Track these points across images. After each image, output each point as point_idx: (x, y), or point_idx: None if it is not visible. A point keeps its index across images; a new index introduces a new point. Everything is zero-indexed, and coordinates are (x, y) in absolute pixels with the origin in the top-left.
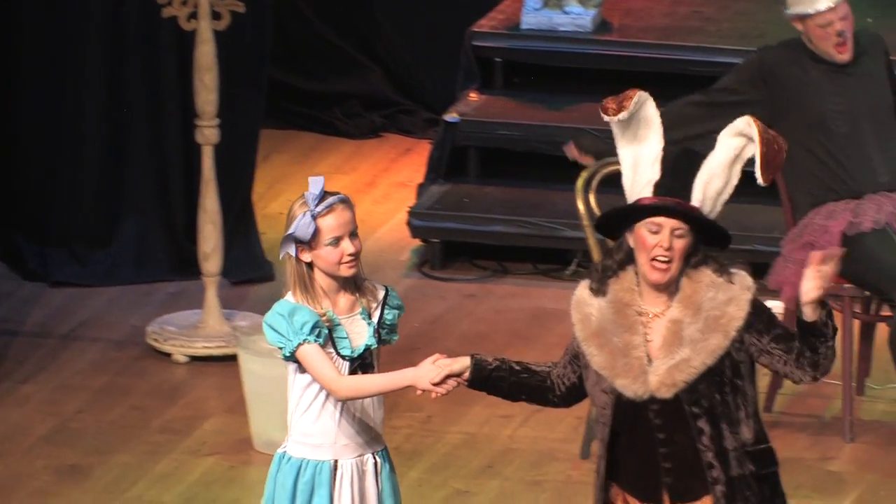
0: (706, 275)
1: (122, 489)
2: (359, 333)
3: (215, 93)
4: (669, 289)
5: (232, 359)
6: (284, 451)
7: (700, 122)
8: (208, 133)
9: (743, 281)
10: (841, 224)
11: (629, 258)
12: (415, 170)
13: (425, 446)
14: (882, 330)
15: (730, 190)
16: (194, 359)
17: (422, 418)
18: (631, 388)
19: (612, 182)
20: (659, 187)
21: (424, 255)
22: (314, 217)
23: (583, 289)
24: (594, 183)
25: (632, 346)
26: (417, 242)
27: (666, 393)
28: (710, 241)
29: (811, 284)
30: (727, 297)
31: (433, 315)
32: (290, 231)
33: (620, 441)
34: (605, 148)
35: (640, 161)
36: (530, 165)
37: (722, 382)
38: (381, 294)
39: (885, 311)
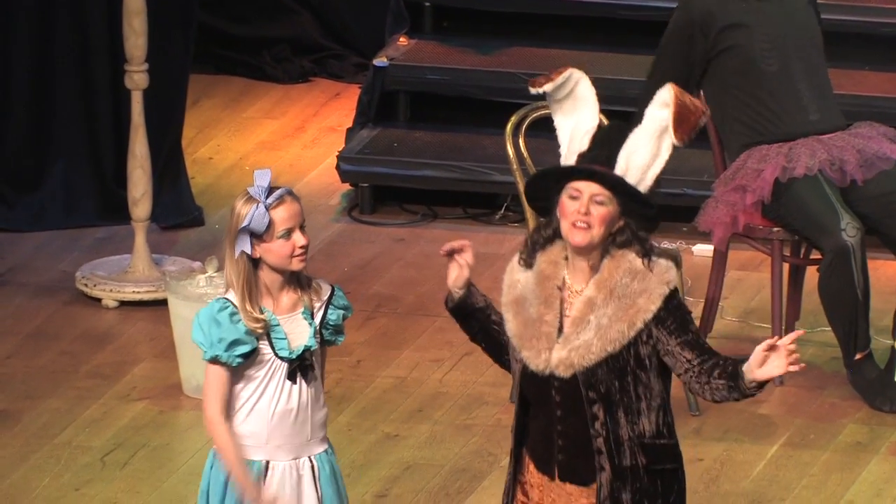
0: (627, 259)
1: (52, 434)
2: (299, 333)
3: (144, 37)
4: (592, 262)
5: (162, 304)
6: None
7: None
8: (137, 78)
9: (663, 274)
10: (774, 168)
11: (557, 232)
12: (344, 114)
13: (355, 390)
14: (812, 273)
15: (660, 163)
16: (124, 304)
17: (351, 363)
18: (534, 361)
19: (542, 126)
20: (583, 157)
21: (354, 199)
22: (267, 208)
23: (518, 256)
24: (523, 127)
25: (543, 320)
26: (347, 187)
27: (564, 372)
28: (638, 218)
29: (780, 364)
30: (642, 287)
31: (362, 260)
32: (243, 224)
33: (530, 409)
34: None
35: (574, 136)
36: (460, 110)
37: (624, 371)
38: (326, 293)
39: (815, 255)
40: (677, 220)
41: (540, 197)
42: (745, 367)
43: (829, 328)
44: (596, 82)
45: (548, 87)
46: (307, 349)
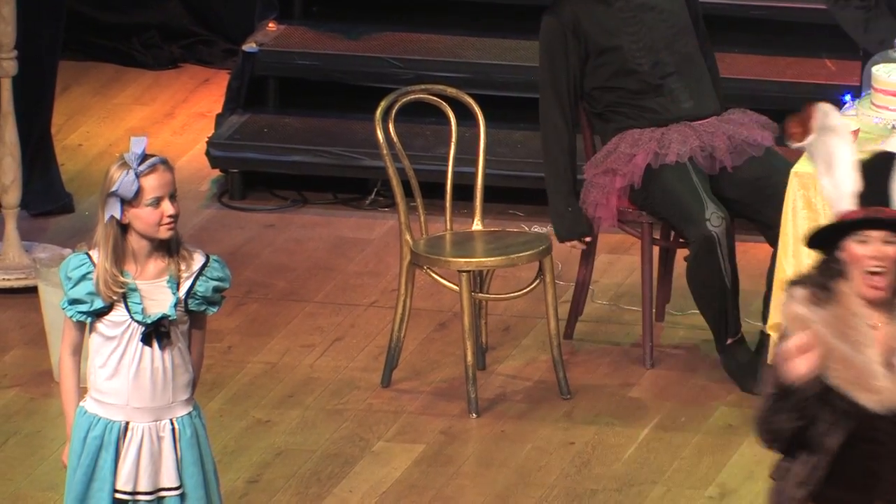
0: None
1: None
2: (159, 300)
3: (13, 24)
4: (887, 303)
5: (32, 291)
6: (83, 405)
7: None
8: (6, 65)
9: None
10: (646, 154)
11: (842, 273)
12: (213, 101)
13: (226, 377)
14: (683, 255)
15: None
16: None
17: (223, 349)
18: (874, 400)
19: (411, 111)
20: (860, 198)
21: (224, 185)
22: (137, 175)
23: (798, 305)
24: (393, 112)
25: (868, 361)
26: (217, 173)
27: None
28: None
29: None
30: None
31: (233, 245)
32: (112, 189)
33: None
34: None
35: (834, 172)
36: (329, 95)
37: None
38: (198, 264)
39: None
40: (546, 203)
41: (822, 245)
42: None
43: (701, 311)
44: (465, 67)
45: (810, 139)
46: (164, 317)
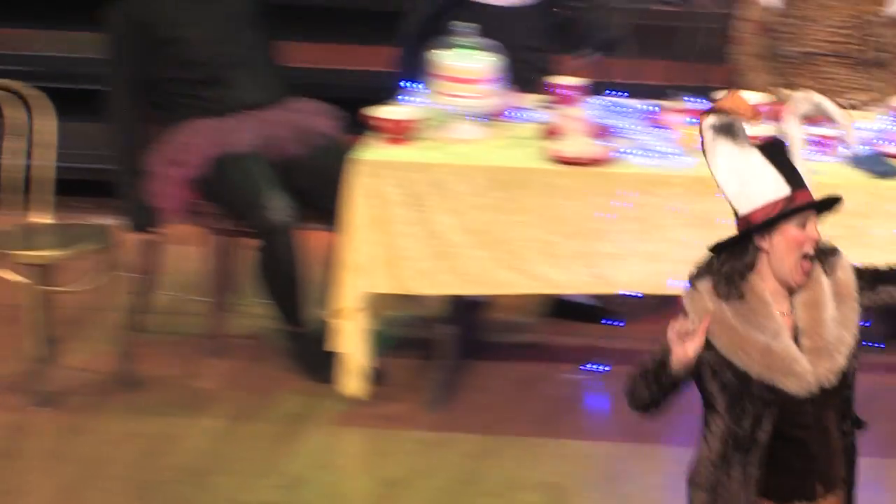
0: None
1: None
2: None
3: None
4: (793, 291)
5: None
6: None
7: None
8: None
9: (830, 246)
10: (209, 144)
11: (753, 263)
12: None
13: None
14: (250, 245)
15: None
16: None
17: None
18: (798, 385)
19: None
20: (793, 184)
21: None
22: None
23: (707, 299)
24: None
25: (788, 346)
26: None
27: (835, 380)
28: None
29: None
30: (832, 266)
31: None
32: None
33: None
34: None
35: (743, 174)
36: None
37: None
38: None
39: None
40: (109, 195)
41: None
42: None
43: (268, 300)
44: (32, 60)
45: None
46: None
